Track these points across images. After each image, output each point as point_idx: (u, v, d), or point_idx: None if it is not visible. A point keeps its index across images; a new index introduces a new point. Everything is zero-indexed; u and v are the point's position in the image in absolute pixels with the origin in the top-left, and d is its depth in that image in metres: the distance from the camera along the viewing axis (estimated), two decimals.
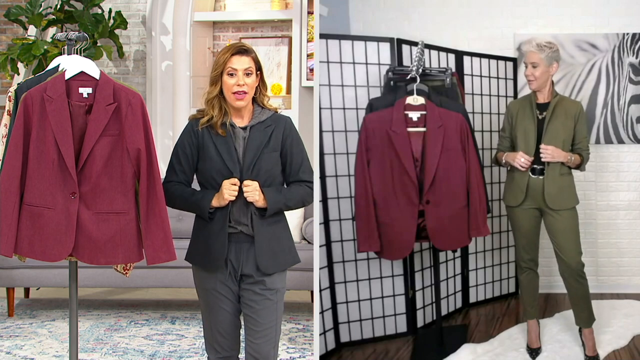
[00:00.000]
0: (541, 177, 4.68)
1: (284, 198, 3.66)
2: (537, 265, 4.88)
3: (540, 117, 4.69)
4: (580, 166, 4.77)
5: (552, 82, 4.72)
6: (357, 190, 4.55)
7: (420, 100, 4.49)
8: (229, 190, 3.60)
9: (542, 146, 4.63)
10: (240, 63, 3.62)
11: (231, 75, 3.62)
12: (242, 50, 3.63)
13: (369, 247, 4.58)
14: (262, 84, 3.70)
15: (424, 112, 4.47)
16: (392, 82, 4.68)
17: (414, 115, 4.47)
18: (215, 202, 3.62)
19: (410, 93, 4.50)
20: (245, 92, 3.62)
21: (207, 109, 3.67)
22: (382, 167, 4.49)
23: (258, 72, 3.67)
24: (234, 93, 3.62)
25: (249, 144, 3.64)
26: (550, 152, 4.63)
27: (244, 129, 3.66)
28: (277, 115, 3.72)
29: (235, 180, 3.61)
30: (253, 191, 3.60)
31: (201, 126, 3.66)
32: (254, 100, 3.70)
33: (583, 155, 4.75)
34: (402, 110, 4.48)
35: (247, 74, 3.63)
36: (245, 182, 3.61)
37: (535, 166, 4.68)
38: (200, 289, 3.76)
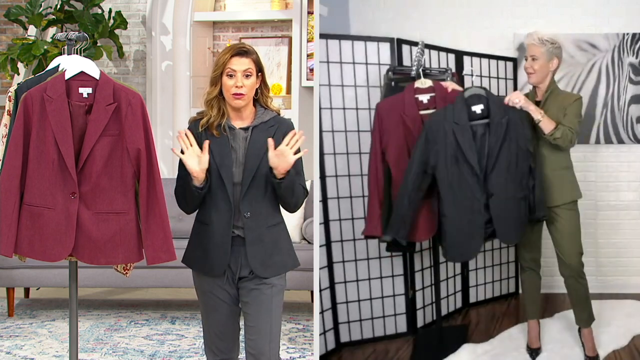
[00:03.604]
0: None
1: (298, 179, 3.60)
2: (539, 266, 4.85)
3: None
4: (557, 138, 4.45)
5: (553, 79, 4.68)
6: (369, 177, 4.64)
7: (428, 82, 4.53)
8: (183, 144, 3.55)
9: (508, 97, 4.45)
10: (240, 64, 3.61)
11: (230, 76, 3.61)
12: (241, 51, 3.62)
13: (371, 231, 4.67)
14: (263, 85, 3.69)
15: (433, 94, 4.50)
16: (392, 82, 4.69)
17: (424, 98, 4.52)
18: (194, 180, 3.56)
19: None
20: (243, 94, 3.61)
21: (207, 110, 3.68)
22: (398, 151, 4.51)
23: (259, 74, 3.66)
24: (233, 94, 3.62)
25: (250, 145, 3.63)
26: (517, 96, 4.43)
27: (245, 129, 3.66)
28: (280, 117, 3.71)
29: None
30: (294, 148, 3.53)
31: (202, 127, 3.66)
32: (256, 101, 3.70)
33: (561, 126, 4.47)
34: (412, 94, 4.52)
35: (247, 76, 3.61)
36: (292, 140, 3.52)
37: None
38: (198, 291, 3.76)
